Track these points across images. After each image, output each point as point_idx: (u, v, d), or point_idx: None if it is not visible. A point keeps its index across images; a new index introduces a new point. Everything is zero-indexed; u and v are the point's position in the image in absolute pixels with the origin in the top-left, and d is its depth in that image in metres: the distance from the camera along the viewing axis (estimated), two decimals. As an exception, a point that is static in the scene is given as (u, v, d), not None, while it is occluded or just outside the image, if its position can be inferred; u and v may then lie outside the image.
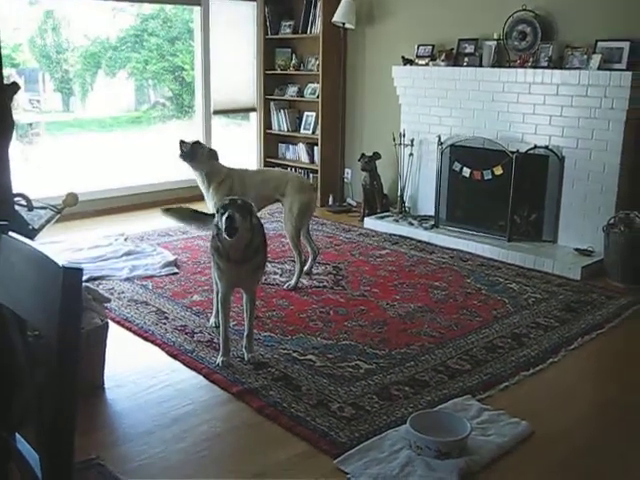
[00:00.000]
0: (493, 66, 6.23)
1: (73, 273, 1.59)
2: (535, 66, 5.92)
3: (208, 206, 5.18)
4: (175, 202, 7.61)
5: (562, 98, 5.73)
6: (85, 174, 7.79)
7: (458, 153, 6.41)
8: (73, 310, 1.61)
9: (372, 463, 2.95)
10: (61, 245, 5.88)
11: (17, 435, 1.95)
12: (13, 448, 1.92)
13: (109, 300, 4.07)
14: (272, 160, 8.43)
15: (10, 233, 1.92)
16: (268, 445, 3.14)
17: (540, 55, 5.93)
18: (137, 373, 3.82)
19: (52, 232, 5.48)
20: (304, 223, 5.23)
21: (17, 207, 3.76)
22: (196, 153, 5.09)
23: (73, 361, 1.62)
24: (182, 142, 5.15)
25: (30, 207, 3.98)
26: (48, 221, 4.13)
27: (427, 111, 6.78)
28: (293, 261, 5.54)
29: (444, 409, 3.34)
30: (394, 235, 6.60)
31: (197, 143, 5.12)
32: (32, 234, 3.85)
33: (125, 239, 6.26)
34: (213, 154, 5.14)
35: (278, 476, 2.92)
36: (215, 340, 4.13)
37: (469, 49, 6.47)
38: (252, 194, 5.11)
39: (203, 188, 5.17)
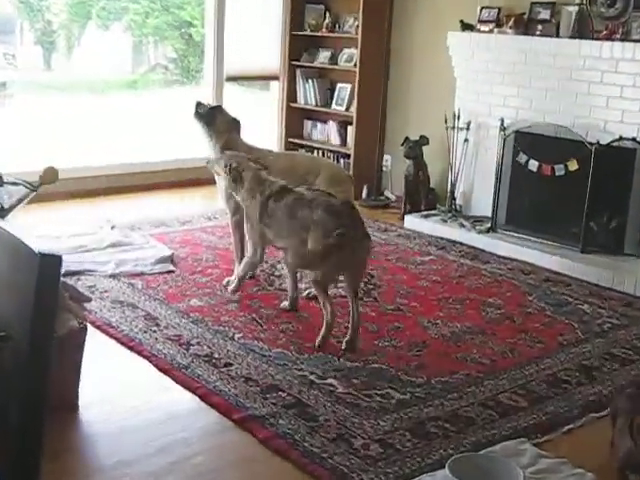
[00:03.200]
0: (573, 37, 6.20)
1: (51, 261, 1.62)
2: (625, 39, 5.89)
3: (219, 190, 5.22)
4: (177, 185, 7.71)
5: (657, 79, 5.71)
6: (68, 146, 7.85)
7: (524, 142, 6.39)
8: (48, 305, 1.64)
9: (400, 514, 2.95)
10: (34, 231, 5.94)
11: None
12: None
13: (90, 299, 4.11)
14: (295, 140, 8.47)
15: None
16: (274, 485, 3.16)
17: (632, 26, 5.89)
18: (119, 390, 3.85)
19: (24, 214, 5.52)
20: None
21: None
22: (215, 118, 5.17)
23: (44, 368, 1.65)
24: (199, 103, 5.24)
25: None
26: (20, 200, 4.19)
27: (488, 89, 6.77)
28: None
29: (492, 453, 3.33)
30: (441, 238, 6.60)
31: (218, 107, 5.21)
32: (0, 214, 3.91)
33: (112, 227, 6.31)
34: (235, 125, 5.23)
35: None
36: (216, 355, 4.16)
37: (544, 15, 6.45)
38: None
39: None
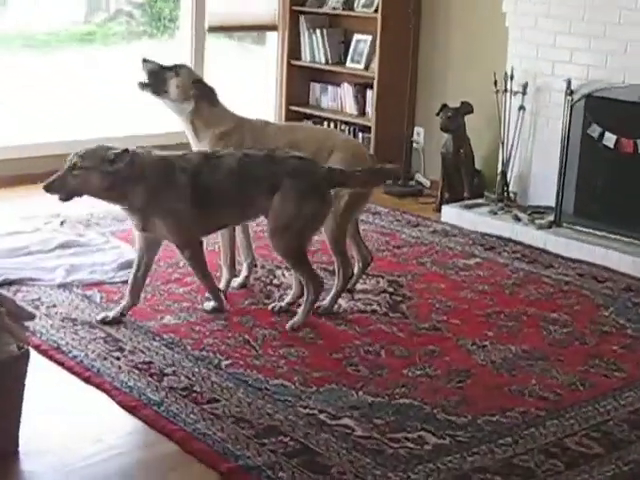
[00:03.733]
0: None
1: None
2: None
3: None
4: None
5: None
6: (2, 118, 7.87)
7: (598, 109, 6.39)
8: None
9: None
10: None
11: None
12: None
13: (33, 317, 4.11)
14: (299, 109, 8.48)
15: None
16: None
17: None
18: (72, 433, 3.86)
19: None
20: (354, 216, 5.28)
21: None
22: (163, 83, 5.16)
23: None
24: (145, 61, 5.23)
25: None
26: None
27: (551, 40, 6.77)
28: (326, 270, 5.58)
29: (557, 515, 3.34)
30: (489, 236, 6.62)
31: (171, 69, 5.18)
32: None
33: (61, 223, 6.34)
34: (206, 91, 5.20)
35: None
36: (197, 388, 4.17)
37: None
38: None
39: (193, 144, 5.27)
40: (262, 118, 5.44)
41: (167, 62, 5.28)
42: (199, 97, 5.18)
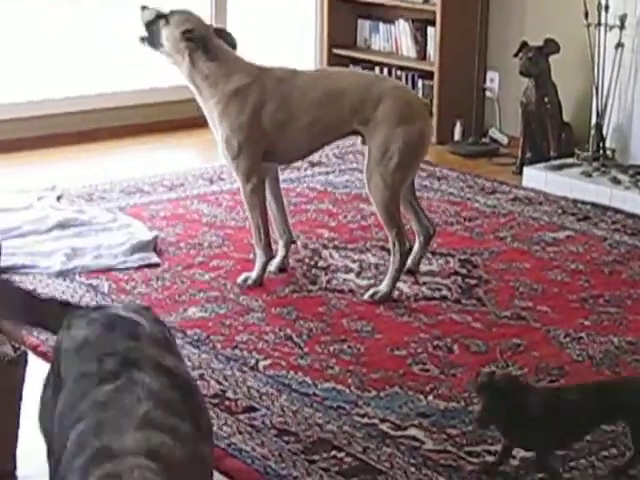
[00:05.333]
0: None
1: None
2: None
3: (219, 145, 5.25)
4: (158, 129, 7.75)
5: None
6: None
7: None
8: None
9: None
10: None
11: None
12: None
13: (29, 312, 4.15)
14: (344, 52, 8.48)
15: None
16: None
17: None
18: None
19: None
20: (408, 179, 5.27)
21: None
22: (158, 34, 5.20)
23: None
24: (143, 8, 5.26)
25: None
26: None
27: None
28: (383, 248, 5.58)
29: None
30: (582, 203, 6.60)
31: (164, 17, 5.19)
32: None
33: (58, 197, 6.38)
34: (199, 42, 5.14)
35: None
36: (230, 395, 4.19)
37: None
38: (304, 120, 5.17)
39: (204, 106, 5.30)
40: (287, 67, 5.39)
41: (167, 7, 5.30)
42: (192, 49, 5.15)
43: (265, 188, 5.31)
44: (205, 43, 5.17)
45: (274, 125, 5.16)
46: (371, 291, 5.15)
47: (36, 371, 3.98)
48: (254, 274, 5.25)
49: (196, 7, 5.67)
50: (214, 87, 5.17)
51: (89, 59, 8.49)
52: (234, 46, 5.31)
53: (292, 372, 4.41)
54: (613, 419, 3.81)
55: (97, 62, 8.46)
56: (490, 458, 3.80)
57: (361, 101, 5.16)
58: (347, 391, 4.26)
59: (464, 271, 5.51)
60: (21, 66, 8.15)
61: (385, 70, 8.21)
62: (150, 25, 5.23)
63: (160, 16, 5.21)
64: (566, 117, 7.28)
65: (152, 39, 5.24)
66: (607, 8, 6.86)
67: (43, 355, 4.49)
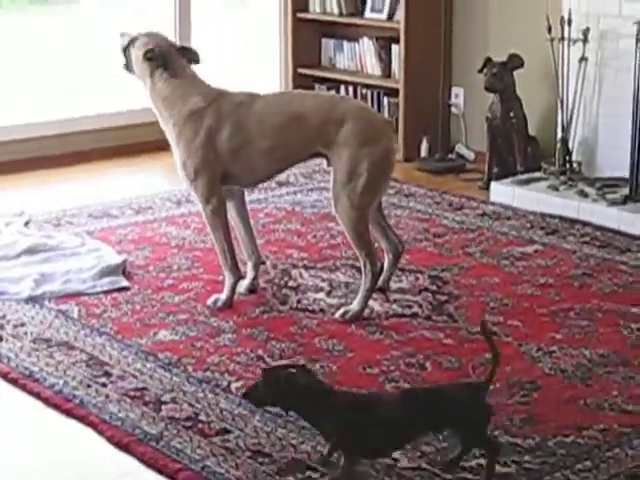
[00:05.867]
0: None
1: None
2: None
3: (177, 166, 5.31)
4: (126, 152, 7.76)
5: None
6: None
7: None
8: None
9: None
10: None
11: None
12: None
13: (-1, 339, 4.18)
14: (309, 72, 8.51)
15: None
16: None
17: None
18: (53, 477, 3.90)
19: None
20: (376, 198, 5.29)
21: None
22: (130, 56, 5.29)
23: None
24: (122, 34, 5.38)
25: None
26: None
27: (616, -28, 6.80)
28: (353, 267, 5.62)
29: None
30: (550, 216, 6.63)
31: (133, 39, 5.24)
32: None
33: (26, 223, 6.38)
34: (161, 61, 5.19)
35: None
36: (203, 417, 4.20)
37: None
38: (264, 145, 5.19)
39: (164, 128, 5.34)
40: (248, 91, 5.40)
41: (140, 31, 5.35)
42: (153, 68, 5.20)
43: (226, 210, 5.31)
44: (165, 60, 5.22)
45: (229, 150, 5.17)
46: (342, 310, 5.16)
47: (6, 397, 4.02)
48: (223, 296, 5.27)
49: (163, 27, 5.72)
50: (171, 109, 5.20)
51: (52, 85, 8.50)
52: (197, 61, 5.35)
53: (264, 393, 4.43)
54: (437, 429, 3.81)
55: (59, 87, 8.47)
56: (465, 475, 3.84)
57: (324, 123, 5.16)
58: (320, 410, 4.29)
59: (434, 287, 5.53)
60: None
61: (350, 88, 8.24)
62: (125, 50, 5.29)
63: (132, 41, 5.27)
64: (532, 131, 7.32)
65: (127, 64, 5.31)
66: (570, 22, 6.91)
67: (13, 382, 4.49)
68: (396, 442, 3.71)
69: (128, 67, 5.33)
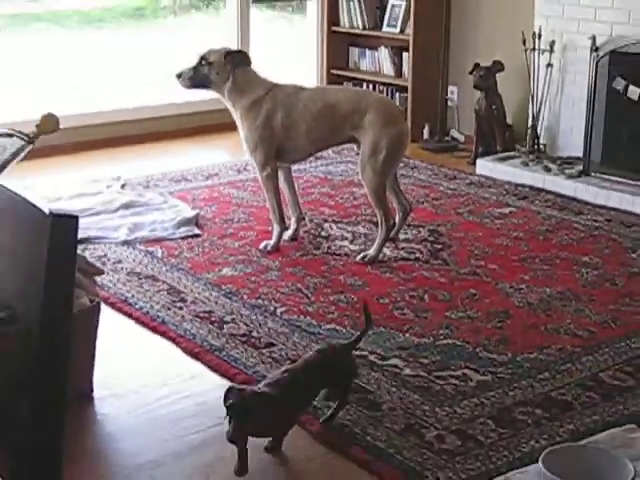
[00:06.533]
0: None
1: (65, 223, 1.63)
2: None
3: (242, 141, 5.26)
4: (198, 132, 7.75)
5: None
6: (65, 90, 7.88)
7: (622, 64, 6.30)
8: (63, 276, 1.65)
9: (486, 518, 2.98)
10: (32, 192, 5.98)
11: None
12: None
13: (101, 272, 4.15)
14: (339, 72, 8.44)
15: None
16: (332, 487, 3.21)
17: None
18: (141, 378, 3.91)
19: (19, 172, 5.57)
20: (392, 169, 5.26)
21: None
22: (206, 78, 5.18)
23: (61, 355, 1.65)
24: (179, 76, 5.24)
25: (-11, 134, 4.07)
26: (15, 155, 4.21)
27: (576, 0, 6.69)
28: (371, 222, 5.57)
29: (594, 444, 3.32)
30: (522, 186, 6.56)
31: (203, 62, 5.16)
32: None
33: (122, 185, 6.37)
34: (240, 57, 5.19)
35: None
36: (255, 334, 4.20)
37: None
38: (306, 126, 5.15)
39: (233, 113, 5.30)
40: (296, 83, 5.38)
41: (190, 59, 5.24)
42: (236, 65, 5.16)
43: (277, 176, 5.28)
44: (240, 57, 5.23)
45: (281, 128, 5.14)
46: (362, 254, 5.13)
47: (106, 317, 4.01)
48: (272, 242, 5.24)
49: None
50: (240, 97, 5.16)
51: (145, 79, 8.47)
52: (249, 64, 5.26)
53: (302, 316, 4.41)
54: (327, 385, 3.52)
55: (151, 81, 8.45)
56: (453, 381, 3.80)
57: (352, 111, 5.13)
58: (344, 330, 4.26)
59: (432, 238, 5.49)
60: (86, 84, 8.13)
61: (371, 86, 8.16)
62: (195, 74, 5.17)
63: (197, 67, 5.17)
64: (509, 120, 7.24)
65: (201, 82, 5.20)
66: (540, 36, 6.83)
67: (112, 305, 4.50)
68: (306, 402, 3.45)
69: (202, 84, 5.20)
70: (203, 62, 5.18)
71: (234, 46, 7.84)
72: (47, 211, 1.63)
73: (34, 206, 1.69)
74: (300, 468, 3.31)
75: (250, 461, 3.19)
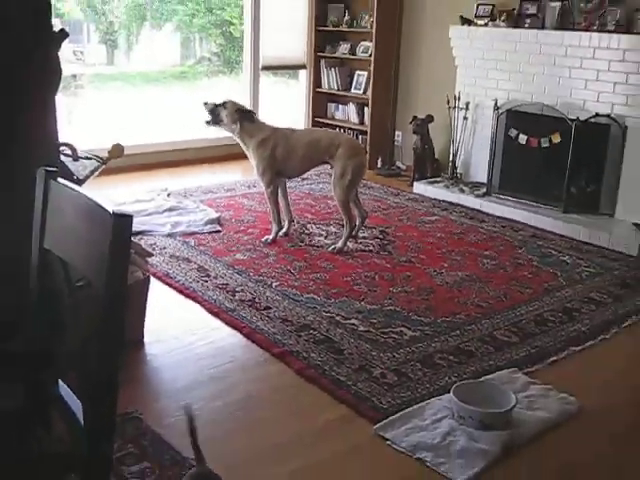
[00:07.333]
0: (556, 29, 6.08)
1: (123, 220, 1.62)
2: (601, 30, 5.77)
3: (253, 168, 5.23)
4: (222, 159, 7.72)
5: (628, 65, 5.59)
6: (129, 128, 7.85)
7: (515, 119, 6.31)
8: (121, 258, 1.64)
9: (413, 430, 2.98)
10: (104, 198, 5.93)
11: (60, 382, 2.00)
12: (56, 395, 1.98)
13: (151, 255, 4.13)
14: (321, 120, 8.41)
15: (59, 180, 1.96)
16: (307, 408, 3.19)
17: (607, 18, 5.77)
18: (177, 329, 3.89)
19: (94, 184, 5.52)
20: (355, 188, 5.23)
21: (62, 157, 3.82)
22: (218, 115, 5.13)
23: (119, 310, 1.65)
24: (205, 103, 5.19)
25: (75, 157, 4.04)
26: (92, 172, 4.19)
27: (484, 74, 6.68)
28: (339, 224, 5.55)
29: (489, 380, 3.34)
30: (444, 201, 6.55)
31: (221, 105, 5.12)
32: (76, 185, 3.90)
33: (168, 195, 6.33)
34: (245, 114, 5.14)
35: (316, 439, 2.96)
36: (257, 300, 4.18)
37: (532, 10, 6.33)
38: (298, 155, 5.13)
39: (245, 149, 5.24)
40: (290, 126, 5.35)
41: (217, 100, 5.19)
42: (241, 119, 5.11)
43: (277, 192, 5.25)
44: (247, 113, 5.16)
45: (281, 158, 5.10)
46: (332, 246, 5.10)
47: (154, 287, 3.99)
48: (271, 236, 5.21)
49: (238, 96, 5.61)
50: (251, 138, 5.12)
51: (186, 122, 8.43)
52: (252, 120, 5.16)
53: (290, 289, 4.39)
54: None
55: (190, 123, 8.41)
56: (393, 336, 3.80)
57: (329, 145, 5.09)
58: (319, 299, 4.25)
59: (381, 236, 5.47)
60: (144, 124, 8.08)
61: (342, 129, 8.14)
62: (212, 112, 5.15)
63: (217, 105, 5.14)
64: (437, 156, 7.22)
65: (214, 119, 5.16)
66: (459, 98, 6.82)
67: (158, 278, 4.47)
68: None
69: (215, 121, 5.14)
70: (221, 104, 5.16)
71: (248, 100, 7.88)
72: (111, 211, 1.63)
73: (102, 207, 1.69)
74: (286, 393, 3.30)
75: (237, 387, 3.18)
